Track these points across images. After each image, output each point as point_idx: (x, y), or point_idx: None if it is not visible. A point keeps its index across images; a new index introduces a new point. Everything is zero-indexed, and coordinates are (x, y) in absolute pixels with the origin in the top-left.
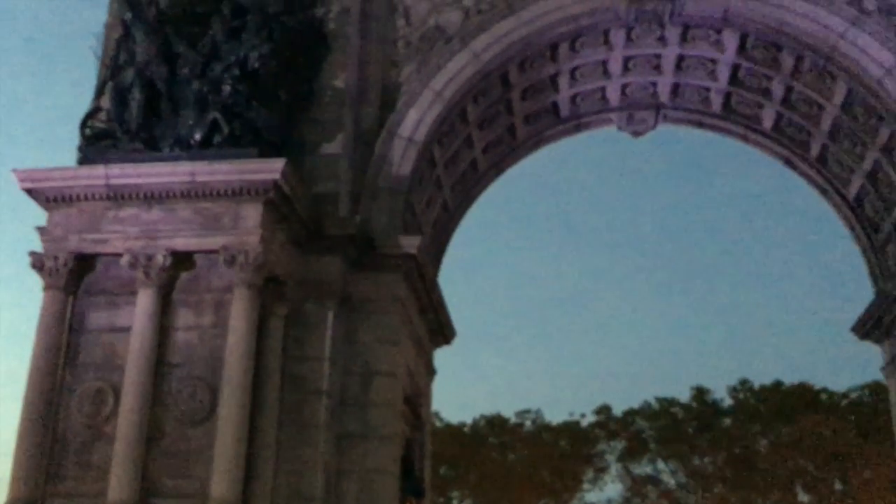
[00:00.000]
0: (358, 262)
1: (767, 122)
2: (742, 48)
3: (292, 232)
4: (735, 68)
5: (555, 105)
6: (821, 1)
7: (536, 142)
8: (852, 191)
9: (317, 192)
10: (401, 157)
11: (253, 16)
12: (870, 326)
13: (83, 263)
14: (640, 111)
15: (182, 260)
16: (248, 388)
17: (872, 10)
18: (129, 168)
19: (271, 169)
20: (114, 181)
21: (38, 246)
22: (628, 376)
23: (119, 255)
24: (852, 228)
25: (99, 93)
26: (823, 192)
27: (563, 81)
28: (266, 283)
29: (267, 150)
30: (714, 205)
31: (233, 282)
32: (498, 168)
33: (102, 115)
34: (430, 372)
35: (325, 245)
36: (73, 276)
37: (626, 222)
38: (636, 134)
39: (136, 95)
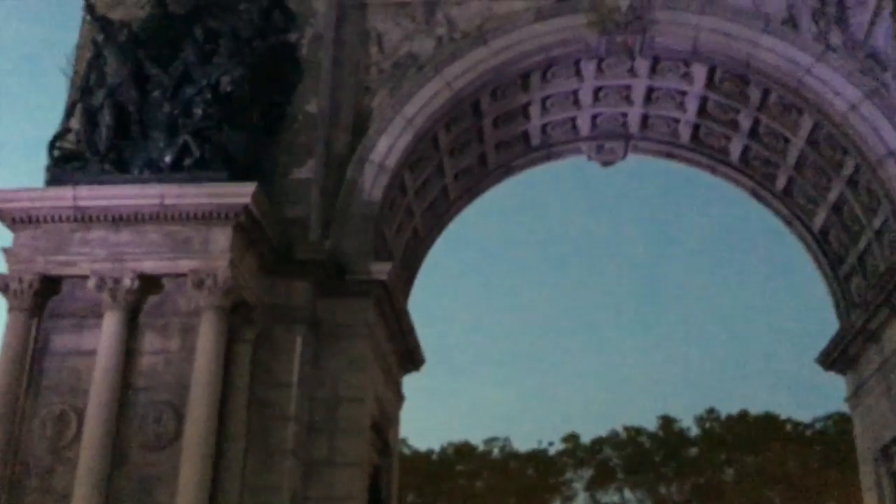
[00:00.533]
0: (327, 287)
1: (735, 154)
2: (710, 81)
3: (262, 256)
4: (703, 100)
5: (526, 134)
6: (787, 36)
7: (507, 169)
8: (817, 223)
9: (287, 216)
10: (372, 184)
11: (225, 40)
12: (834, 357)
13: (49, 285)
14: (609, 141)
15: (150, 283)
16: (214, 413)
17: (838, 45)
18: (98, 190)
19: (242, 193)
20: (82, 203)
21: (2, 267)
22: (596, 405)
23: (86, 277)
24: (817, 260)
25: (68, 114)
26: (789, 223)
27: (535, 110)
28: (234, 307)
29: (237, 174)
30: (683, 235)
31: (201, 306)
32: (469, 195)
33: (71, 137)
34: (399, 398)
35: (294, 270)
36: (38, 299)
37: (596, 251)
38: (606, 164)
39: (106, 117)
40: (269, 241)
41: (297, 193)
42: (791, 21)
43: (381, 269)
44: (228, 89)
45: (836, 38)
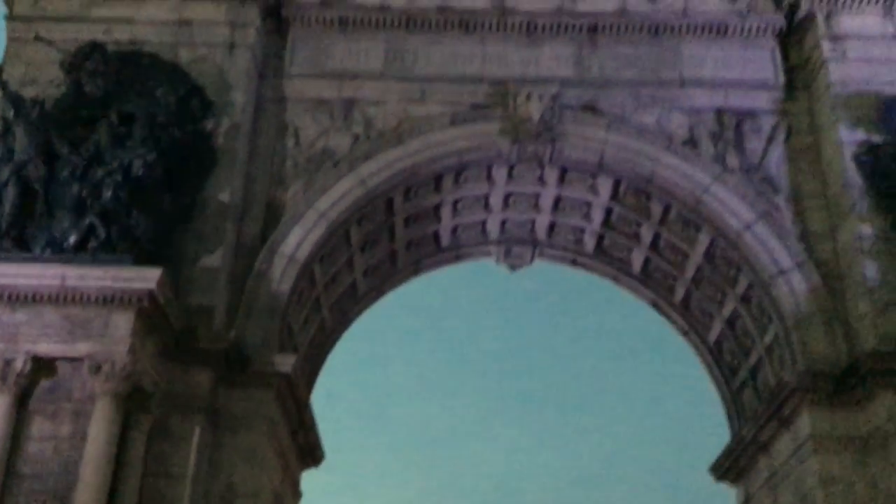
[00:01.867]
0: (229, 377)
1: (636, 265)
2: (615, 194)
3: (163, 343)
4: (608, 212)
5: (436, 234)
6: (688, 156)
7: (416, 269)
8: (712, 336)
9: (192, 304)
10: (280, 275)
11: (140, 124)
12: (726, 468)
13: None
14: (517, 246)
15: (44, 366)
16: None
17: (735, 167)
18: None
19: (146, 277)
20: None
21: None
22: None
23: None
24: (712, 372)
25: None
26: (686, 335)
27: (446, 212)
28: (131, 394)
29: (144, 259)
30: (586, 343)
31: (96, 392)
32: (378, 291)
33: None
34: (297, 494)
35: (196, 358)
36: None
37: (500, 353)
38: (513, 268)
39: (10, 194)
40: (171, 328)
41: (205, 281)
42: (692, 142)
43: (284, 362)
44: (140, 173)
45: (732, 160)
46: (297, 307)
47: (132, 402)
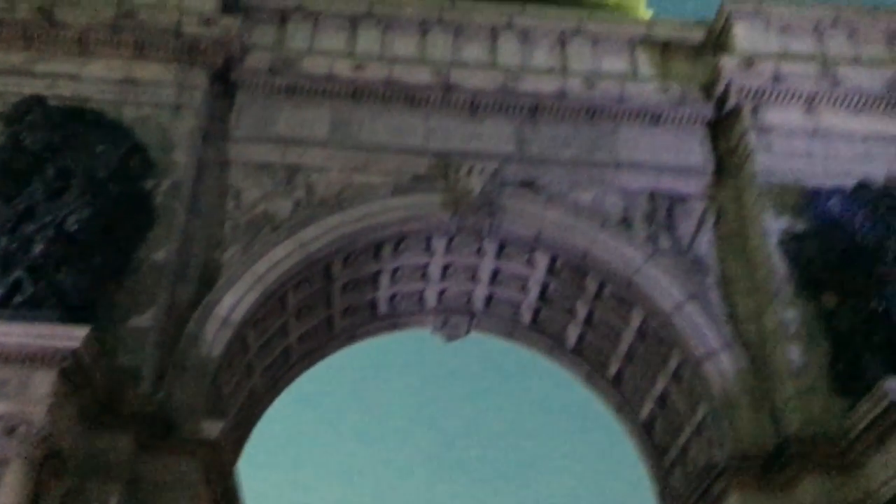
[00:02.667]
0: (153, 442)
1: (571, 340)
2: (552, 269)
3: (85, 405)
4: (545, 286)
5: (373, 302)
6: (622, 236)
7: (352, 336)
8: (644, 413)
9: (119, 364)
10: (213, 338)
11: (78, 179)
12: None
13: None
14: (454, 316)
15: None
16: None
17: (666, 248)
18: None
19: (72, 336)
20: None
21: None
22: None
23: None
24: (643, 449)
25: None
26: (619, 411)
27: (384, 280)
28: (47, 458)
29: (72, 316)
30: (521, 416)
31: (8, 455)
32: (311, 357)
33: None
34: None
35: (119, 422)
36: None
37: (432, 424)
38: (450, 338)
39: None
40: (95, 390)
41: (134, 342)
42: (626, 222)
43: (212, 427)
44: (73, 229)
45: (665, 241)
46: (228, 371)
47: (48, 466)
